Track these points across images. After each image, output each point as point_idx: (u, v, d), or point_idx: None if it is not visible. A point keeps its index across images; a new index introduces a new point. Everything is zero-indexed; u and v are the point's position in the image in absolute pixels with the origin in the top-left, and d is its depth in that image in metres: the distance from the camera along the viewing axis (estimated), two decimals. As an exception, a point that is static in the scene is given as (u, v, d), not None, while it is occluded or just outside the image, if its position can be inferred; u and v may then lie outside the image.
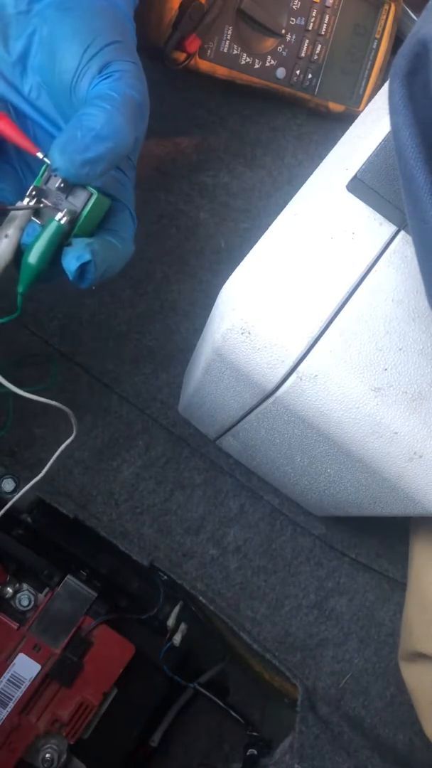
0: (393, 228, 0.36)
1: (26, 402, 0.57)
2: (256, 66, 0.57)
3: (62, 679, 0.51)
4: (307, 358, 0.35)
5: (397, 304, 0.36)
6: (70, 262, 0.35)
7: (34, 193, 0.35)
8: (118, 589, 0.56)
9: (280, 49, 0.57)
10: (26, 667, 0.50)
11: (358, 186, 0.36)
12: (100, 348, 0.59)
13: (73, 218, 0.35)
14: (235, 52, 0.55)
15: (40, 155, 0.35)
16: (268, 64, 0.57)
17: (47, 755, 0.50)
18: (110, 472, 0.57)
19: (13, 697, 0.50)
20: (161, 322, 0.60)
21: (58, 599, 0.52)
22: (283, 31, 0.56)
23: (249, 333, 0.35)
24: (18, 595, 0.52)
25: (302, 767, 0.48)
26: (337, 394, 0.35)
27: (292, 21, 0.57)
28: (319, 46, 0.59)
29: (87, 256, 0.35)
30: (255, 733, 0.57)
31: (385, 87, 0.32)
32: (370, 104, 0.41)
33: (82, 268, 0.35)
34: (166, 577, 0.55)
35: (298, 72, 0.59)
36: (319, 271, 0.35)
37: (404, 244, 0.36)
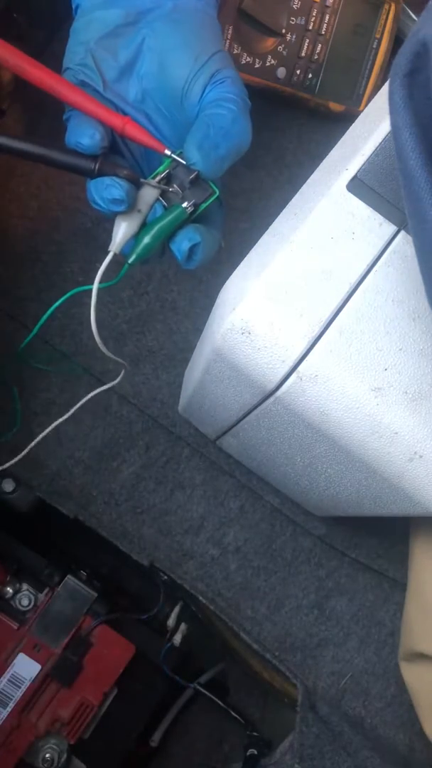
0: (393, 228, 0.36)
1: (26, 402, 0.57)
2: (257, 66, 0.57)
3: (62, 679, 0.51)
4: (307, 358, 0.35)
5: (397, 304, 0.36)
6: (182, 242, 0.38)
7: (163, 177, 0.38)
8: (118, 589, 0.56)
9: (280, 48, 0.57)
10: (26, 667, 0.50)
11: (358, 186, 0.36)
12: (100, 348, 0.58)
13: (194, 209, 0.38)
14: (235, 51, 0.55)
15: (168, 152, 0.37)
16: (268, 64, 0.57)
17: (47, 755, 0.50)
18: (110, 472, 0.57)
19: (13, 697, 0.50)
20: (161, 322, 0.60)
21: (58, 599, 0.52)
22: (284, 31, 0.56)
23: (249, 333, 0.35)
24: (18, 595, 0.52)
25: (302, 767, 0.48)
26: (337, 394, 0.35)
27: (293, 21, 0.56)
28: (320, 45, 0.59)
29: (197, 238, 0.38)
30: (255, 733, 0.57)
31: (385, 87, 0.32)
32: (370, 104, 0.41)
33: (191, 251, 0.38)
34: (166, 577, 0.55)
35: (298, 72, 0.59)
36: (319, 271, 0.35)
37: (404, 244, 0.36)
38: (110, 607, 0.53)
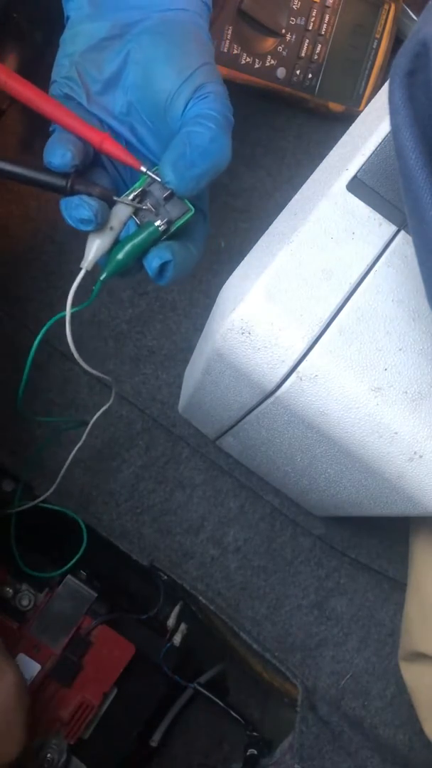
0: (393, 228, 0.36)
1: (27, 402, 0.57)
2: (256, 66, 0.57)
3: (62, 679, 0.51)
4: (307, 358, 0.35)
5: (397, 304, 0.36)
6: (153, 260, 0.38)
7: (138, 194, 0.38)
8: (118, 589, 0.56)
9: (280, 48, 0.57)
10: (26, 667, 0.50)
11: (358, 186, 0.36)
12: (100, 348, 0.59)
13: (168, 226, 0.38)
14: (235, 52, 0.55)
15: (143, 169, 0.37)
16: (268, 64, 0.57)
17: (47, 755, 0.50)
18: (110, 472, 0.57)
19: (13, 697, 0.50)
20: (161, 322, 0.60)
21: (58, 599, 0.52)
22: (284, 31, 0.56)
23: (249, 333, 0.35)
24: (18, 595, 0.52)
25: (302, 767, 0.48)
26: (337, 394, 0.35)
27: (293, 21, 0.57)
28: (319, 46, 0.59)
29: (168, 256, 0.37)
30: (255, 733, 0.57)
31: (385, 87, 0.32)
32: (370, 104, 0.41)
33: (162, 267, 0.38)
34: (166, 577, 0.55)
35: (298, 72, 0.59)
36: (319, 271, 0.35)
37: (404, 244, 0.36)
38: (110, 607, 0.53)
